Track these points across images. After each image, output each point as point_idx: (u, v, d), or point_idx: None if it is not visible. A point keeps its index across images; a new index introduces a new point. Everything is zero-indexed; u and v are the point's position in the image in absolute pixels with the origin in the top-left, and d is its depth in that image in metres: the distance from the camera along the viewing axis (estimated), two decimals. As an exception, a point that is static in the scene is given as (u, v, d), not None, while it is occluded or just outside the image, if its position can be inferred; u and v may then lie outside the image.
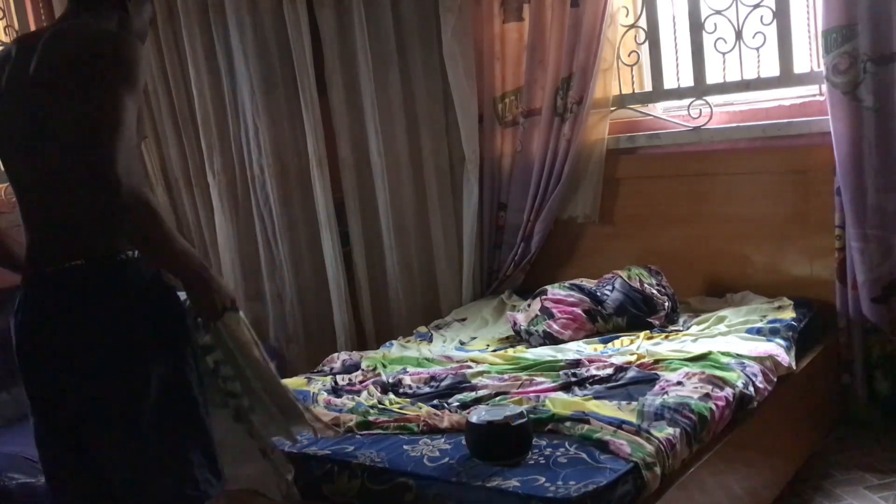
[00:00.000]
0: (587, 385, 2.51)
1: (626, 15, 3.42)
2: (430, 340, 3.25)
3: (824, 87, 2.95)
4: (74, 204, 1.75)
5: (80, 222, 1.79)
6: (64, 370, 1.80)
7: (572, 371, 2.61)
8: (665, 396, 2.30)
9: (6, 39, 3.71)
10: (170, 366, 1.81)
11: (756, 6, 3.13)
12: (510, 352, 2.93)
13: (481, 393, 2.52)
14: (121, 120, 1.69)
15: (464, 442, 2.13)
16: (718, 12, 3.21)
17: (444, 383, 2.66)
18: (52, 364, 1.81)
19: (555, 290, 3.14)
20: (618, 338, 2.96)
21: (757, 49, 3.17)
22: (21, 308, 1.86)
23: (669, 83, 3.41)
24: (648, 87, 3.47)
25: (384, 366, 2.91)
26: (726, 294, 3.27)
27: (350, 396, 2.64)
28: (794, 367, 2.72)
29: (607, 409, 2.27)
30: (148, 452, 1.80)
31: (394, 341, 3.26)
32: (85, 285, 1.78)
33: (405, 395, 2.62)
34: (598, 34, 3.29)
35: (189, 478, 1.82)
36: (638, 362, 2.63)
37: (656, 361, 2.61)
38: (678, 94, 3.39)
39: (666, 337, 2.91)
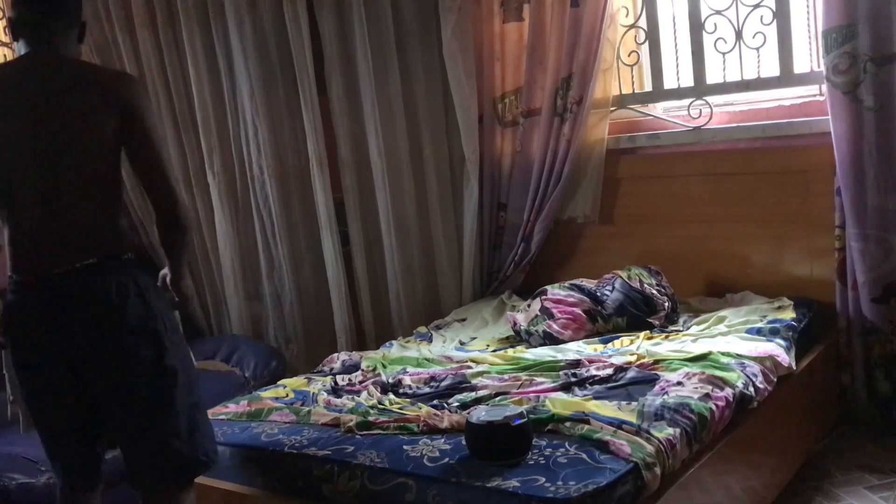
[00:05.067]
0: (587, 385, 2.51)
1: (626, 15, 3.41)
2: (430, 340, 3.25)
3: (824, 87, 2.95)
4: (91, 213, 1.95)
5: (94, 228, 1.96)
6: (93, 359, 1.96)
7: (572, 371, 2.61)
8: (665, 397, 2.30)
9: (6, 39, 3.71)
10: (177, 347, 2.07)
11: (756, 6, 3.13)
12: (510, 352, 2.93)
13: (481, 393, 2.52)
14: (165, 149, 1.99)
15: (464, 442, 2.13)
16: (718, 12, 3.21)
17: (444, 383, 2.66)
18: (76, 353, 1.96)
19: (555, 291, 3.13)
20: (618, 338, 2.96)
21: (757, 49, 3.17)
22: (26, 310, 1.96)
23: (669, 83, 3.40)
24: (648, 87, 3.47)
25: (384, 366, 2.90)
26: (726, 294, 3.27)
27: (350, 396, 2.65)
28: (794, 368, 2.72)
29: (607, 409, 2.27)
30: (175, 425, 2.01)
31: (394, 341, 3.25)
32: (106, 279, 1.95)
33: (405, 395, 2.62)
34: (598, 34, 3.29)
35: (200, 448, 2.09)
36: (638, 362, 2.63)
37: (656, 362, 2.60)
38: (678, 94, 3.38)
39: (666, 337, 2.91)
